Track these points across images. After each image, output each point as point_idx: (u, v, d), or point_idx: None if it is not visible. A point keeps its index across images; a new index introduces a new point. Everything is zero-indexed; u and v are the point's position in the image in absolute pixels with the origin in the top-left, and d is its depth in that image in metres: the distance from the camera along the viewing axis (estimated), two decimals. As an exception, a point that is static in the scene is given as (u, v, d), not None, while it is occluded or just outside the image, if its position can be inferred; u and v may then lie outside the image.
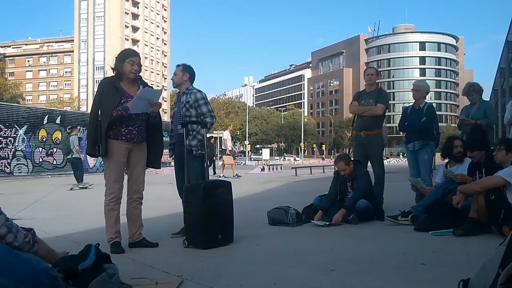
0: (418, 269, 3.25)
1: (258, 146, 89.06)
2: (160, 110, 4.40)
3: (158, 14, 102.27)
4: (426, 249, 3.92)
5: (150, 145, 4.38)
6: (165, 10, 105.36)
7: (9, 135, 17.40)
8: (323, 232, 5.04)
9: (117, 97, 4.09)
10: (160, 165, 4.63)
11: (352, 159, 5.93)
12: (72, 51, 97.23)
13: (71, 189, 12.01)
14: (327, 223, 5.29)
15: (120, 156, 4.14)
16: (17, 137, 17.85)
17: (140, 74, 4.34)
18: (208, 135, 5.10)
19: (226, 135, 17.14)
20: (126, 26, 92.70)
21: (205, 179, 4.61)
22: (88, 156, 4.36)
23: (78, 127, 20.34)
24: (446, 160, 6.03)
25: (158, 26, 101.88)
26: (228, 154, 17.02)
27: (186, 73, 4.95)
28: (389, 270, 3.26)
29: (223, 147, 17.14)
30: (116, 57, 4.24)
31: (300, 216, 5.54)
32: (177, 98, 5.05)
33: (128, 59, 4.16)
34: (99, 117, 4.14)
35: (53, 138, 19.56)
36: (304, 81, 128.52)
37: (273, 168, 22.54)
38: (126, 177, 4.31)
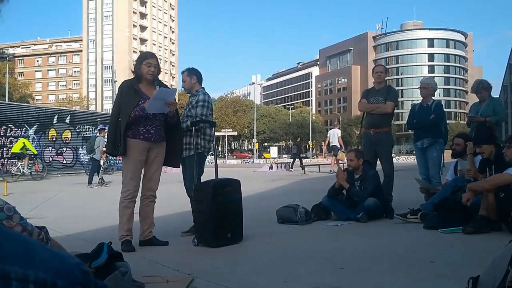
0: (427, 266, 3.26)
1: (266, 144, 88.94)
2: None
3: (166, 13, 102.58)
4: (436, 247, 3.92)
5: (169, 144, 4.47)
6: (172, 9, 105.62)
7: (19, 135, 17.52)
8: (333, 230, 5.05)
9: (135, 98, 4.21)
10: (179, 164, 4.75)
11: (363, 158, 5.93)
12: (81, 51, 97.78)
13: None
14: (339, 224, 5.30)
15: (138, 155, 4.23)
16: (27, 137, 17.98)
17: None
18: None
19: (338, 132, 17.79)
20: (134, 26, 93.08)
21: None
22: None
23: (89, 127, 20.61)
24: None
25: (166, 25, 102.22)
26: (343, 151, 17.46)
27: (193, 76, 5.07)
28: (398, 267, 3.27)
29: (331, 144, 17.47)
30: (135, 60, 4.43)
31: (309, 214, 5.55)
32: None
33: (145, 61, 4.30)
34: (119, 118, 4.25)
35: (63, 138, 19.69)
36: (312, 78, 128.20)
37: (281, 166, 22.53)
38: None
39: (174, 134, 4.50)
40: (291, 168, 21.09)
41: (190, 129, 4.78)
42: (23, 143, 15.93)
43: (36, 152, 16.64)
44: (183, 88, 5.19)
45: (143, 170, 4.38)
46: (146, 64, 4.27)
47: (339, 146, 17.23)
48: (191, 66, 5.17)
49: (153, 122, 4.27)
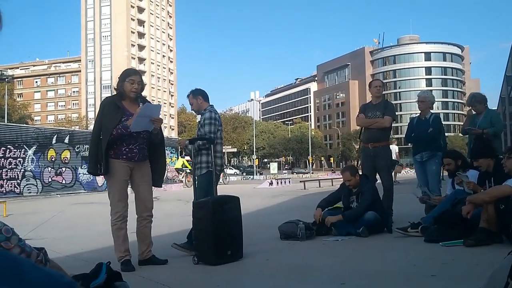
0: (428, 280, 3.24)
1: (265, 160, 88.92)
2: (168, 127, 4.43)
3: (164, 32, 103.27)
4: (437, 261, 3.90)
5: (152, 163, 4.39)
6: (170, 28, 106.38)
7: (18, 155, 17.50)
8: (333, 245, 5.03)
9: (118, 115, 4.12)
10: (162, 184, 4.60)
11: (359, 172, 5.93)
12: (80, 71, 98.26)
13: None
14: (340, 239, 5.28)
15: (122, 175, 4.16)
16: (26, 157, 17.95)
17: (143, 92, 4.39)
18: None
19: (396, 148, 19.28)
20: (133, 45, 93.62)
21: (212, 195, 4.60)
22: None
23: (88, 146, 20.61)
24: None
25: (164, 44, 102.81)
26: (400, 164, 20.58)
27: (198, 96, 5.03)
28: (399, 282, 3.25)
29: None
30: (118, 77, 4.31)
31: (310, 228, 5.51)
32: None
33: (128, 78, 4.21)
34: (101, 136, 4.16)
35: (62, 158, 19.66)
36: (310, 94, 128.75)
37: (281, 182, 22.49)
38: (132, 195, 4.33)
39: (156, 152, 4.42)
40: None
41: (202, 148, 4.79)
42: (183, 161, 22.85)
43: (190, 168, 19.83)
44: (193, 111, 5.21)
45: (133, 192, 4.32)
46: (129, 81, 4.18)
47: (398, 160, 19.05)
48: (195, 88, 5.13)
49: (136, 141, 4.18)
